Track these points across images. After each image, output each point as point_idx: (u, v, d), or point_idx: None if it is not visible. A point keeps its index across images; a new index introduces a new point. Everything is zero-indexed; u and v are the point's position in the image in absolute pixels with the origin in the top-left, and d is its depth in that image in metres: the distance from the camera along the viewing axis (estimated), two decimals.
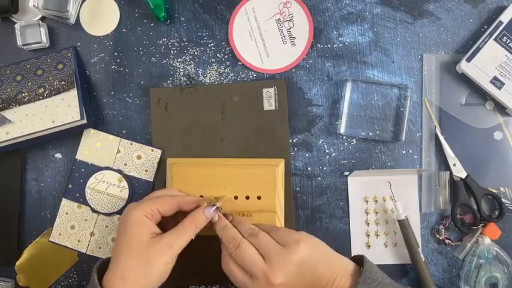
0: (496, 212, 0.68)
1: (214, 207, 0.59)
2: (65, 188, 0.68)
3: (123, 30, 0.71)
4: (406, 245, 0.67)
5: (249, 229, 0.58)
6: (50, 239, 0.68)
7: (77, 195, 0.68)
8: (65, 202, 0.68)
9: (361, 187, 0.69)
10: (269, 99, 0.67)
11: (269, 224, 0.62)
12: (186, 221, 0.57)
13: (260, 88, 0.69)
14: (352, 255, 0.66)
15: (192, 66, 0.71)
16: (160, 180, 0.68)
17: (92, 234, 0.68)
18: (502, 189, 0.69)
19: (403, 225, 0.66)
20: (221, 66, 0.71)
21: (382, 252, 0.68)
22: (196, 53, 0.71)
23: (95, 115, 0.70)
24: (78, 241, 0.68)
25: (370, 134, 0.69)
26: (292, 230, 0.58)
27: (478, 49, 0.68)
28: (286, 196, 0.67)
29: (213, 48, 0.71)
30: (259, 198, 0.65)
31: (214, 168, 0.66)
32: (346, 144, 0.70)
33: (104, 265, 0.57)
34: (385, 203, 0.69)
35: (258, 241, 0.56)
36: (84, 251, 0.68)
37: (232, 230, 0.58)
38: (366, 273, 0.55)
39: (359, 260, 0.58)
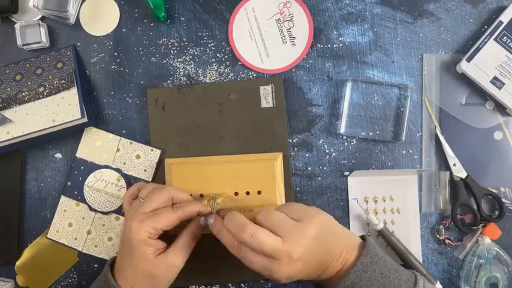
0: (496, 212, 0.68)
1: (211, 216, 0.58)
2: (64, 185, 0.68)
3: (123, 30, 0.71)
4: (395, 253, 0.66)
5: (261, 211, 0.57)
6: (48, 236, 0.68)
7: (76, 192, 0.68)
8: (63, 199, 0.68)
9: (361, 187, 0.69)
10: (266, 97, 0.67)
11: (281, 204, 0.63)
12: (184, 236, 0.59)
13: (257, 86, 0.69)
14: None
15: (192, 66, 0.71)
16: (159, 180, 0.68)
17: (88, 232, 0.68)
18: (502, 189, 0.69)
19: (384, 234, 0.66)
20: (221, 66, 0.71)
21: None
22: (196, 53, 0.71)
23: (95, 115, 0.70)
24: (75, 239, 0.68)
25: (370, 134, 0.69)
26: (305, 206, 0.57)
27: (478, 49, 0.68)
28: (286, 195, 0.67)
29: (213, 48, 0.71)
30: (259, 193, 0.65)
31: (213, 166, 0.66)
32: (346, 144, 0.70)
33: (113, 262, 0.60)
34: (385, 203, 0.69)
35: (272, 219, 0.54)
36: (80, 249, 0.68)
37: (238, 216, 0.55)
38: (369, 247, 0.55)
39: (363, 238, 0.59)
